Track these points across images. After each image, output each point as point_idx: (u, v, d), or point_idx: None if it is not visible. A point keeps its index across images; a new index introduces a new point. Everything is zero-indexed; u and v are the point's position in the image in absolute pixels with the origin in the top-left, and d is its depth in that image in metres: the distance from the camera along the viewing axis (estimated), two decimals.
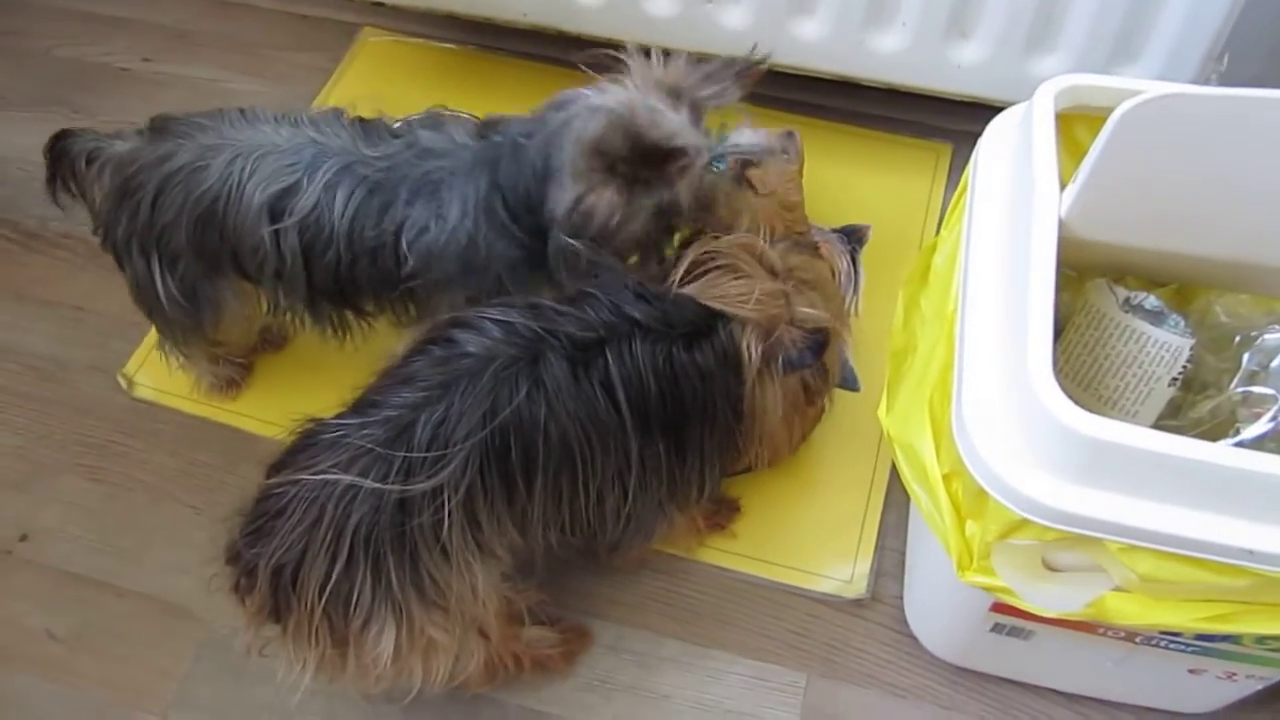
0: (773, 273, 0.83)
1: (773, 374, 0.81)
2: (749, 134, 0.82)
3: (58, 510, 1.04)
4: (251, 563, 0.71)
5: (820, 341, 0.82)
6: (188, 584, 0.99)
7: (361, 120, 0.91)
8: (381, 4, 1.28)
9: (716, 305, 0.80)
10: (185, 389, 1.11)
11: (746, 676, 0.93)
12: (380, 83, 1.39)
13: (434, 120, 0.91)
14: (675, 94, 0.84)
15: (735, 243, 0.84)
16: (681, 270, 0.83)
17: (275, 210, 0.86)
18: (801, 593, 0.97)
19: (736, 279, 0.81)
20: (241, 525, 0.73)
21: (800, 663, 0.94)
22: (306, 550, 0.69)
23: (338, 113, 0.91)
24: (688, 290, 0.82)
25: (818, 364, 0.85)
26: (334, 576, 0.69)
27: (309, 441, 0.73)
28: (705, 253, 0.83)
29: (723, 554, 0.99)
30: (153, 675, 0.94)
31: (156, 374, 1.13)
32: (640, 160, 0.81)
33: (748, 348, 0.79)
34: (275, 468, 0.73)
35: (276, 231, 0.86)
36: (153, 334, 1.15)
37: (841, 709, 0.91)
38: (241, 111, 0.90)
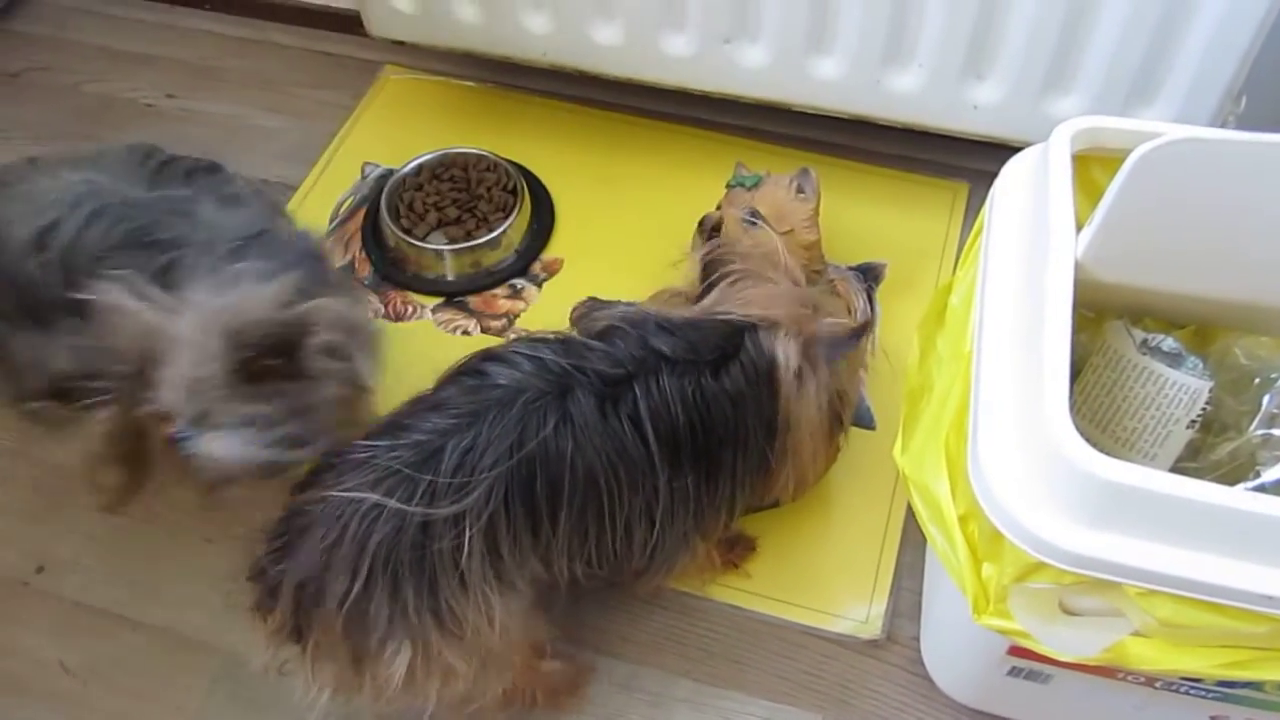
0: (795, 282, 0.84)
1: (814, 369, 0.80)
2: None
3: (74, 542, 1.04)
4: (275, 580, 0.71)
5: (858, 331, 0.82)
6: (202, 617, 0.99)
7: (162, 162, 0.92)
8: (403, 43, 1.30)
9: (742, 312, 0.80)
10: None
11: (761, 717, 0.92)
12: (401, 120, 1.40)
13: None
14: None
15: (756, 252, 0.85)
16: (700, 275, 0.85)
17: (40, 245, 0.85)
18: (816, 633, 0.96)
19: (759, 286, 0.82)
20: (266, 542, 0.73)
21: (815, 704, 0.93)
22: (329, 566, 0.69)
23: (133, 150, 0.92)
24: (708, 300, 0.83)
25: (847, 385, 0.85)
26: (353, 594, 0.69)
27: (337, 460, 0.73)
28: (724, 260, 0.84)
29: (737, 593, 0.98)
30: (165, 709, 0.94)
31: None
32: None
33: (782, 350, 0.79)
34: (303, 485, 0.74)
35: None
36: None
37: None
38: (31, 160, 0.91)
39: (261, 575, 0.73)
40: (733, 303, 0.82)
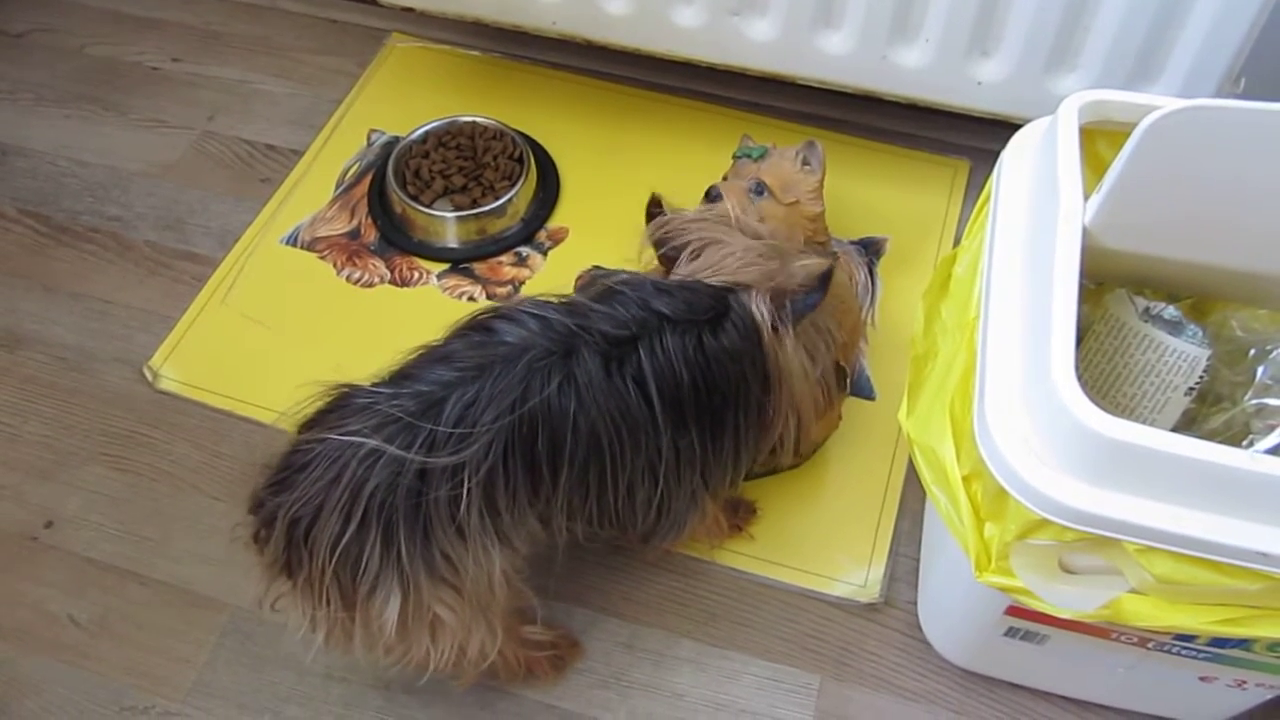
0: (755, 235, 0.84)
1: (786, 327, 0.81)
2: None
3: (82, 498, 1.06)
4: (271, 512, 0.72)
5: (823, 278, 0.82)
6: (209, 573, 1.00)
7: None
8: (411, 10, 1.30)
9: (713, 280, 0.81)
10: (209, 382, 1.13)
11: (761, 677, 0.94)
12: (407, 88, 1.41)
13: None
14: None
15: (708, 217, 0.86)
16: (652, 250, 0.86)
17: None
18: (816, 596, 0.98)
19: (722, 250, 0.83)
20: (267, 476, 0.75)
21: (814, 665, 0.95)
22: (323, 506, 0.70)
23: None
24: (678, 273, 0.83)
25: (830, 337, 0.86)
26: (345, 537, 0.70)
27: (341, 404, 0.74)
28: (673, 235, 0.85)
29: (739, 557, 1.00)
30: (173, 662, 0.95)
31: (181, 367, 1.14)
32: None
33: (757, 309, 0.79)
34: (306, 425, 0.75)
35: None
36: (178, 328, 1.18)
37: (854, 712, 0.92)
38: None
39: (259, 507, 0.75)
40: (701, 273, 0.82)
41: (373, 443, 0.70)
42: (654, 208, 0.89)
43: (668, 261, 0.86)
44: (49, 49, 1.48)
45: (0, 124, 1.39)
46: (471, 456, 0.71)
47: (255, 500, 0.75)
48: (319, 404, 0.76)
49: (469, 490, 0.71)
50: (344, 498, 0.70)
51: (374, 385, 0.76)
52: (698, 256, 0.84)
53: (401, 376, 0.76)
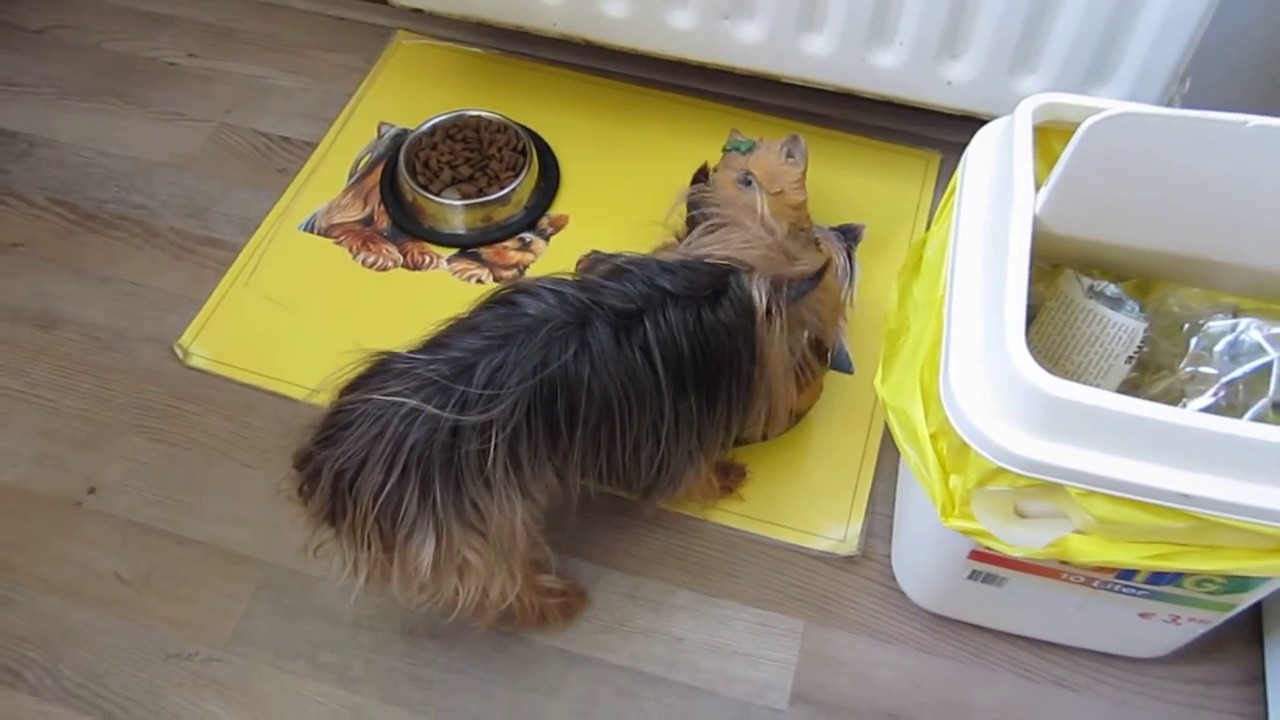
0: (770, 231, 0.93)
1: (779, 312, 0.89)
2: None
3: (122, 466, 1.13)
4: (318, 466, 0.80)
5: (817, 274, 0.91)
6: (243, 533, 1.08)
7: None
8: (419, 10, 1.38)
9: (723, 256, 0.89)
10: (237, 359, 1.21)
11: (751, 623, 1.03)
12: (413, 83, 1.49)
13: None
14: None
15: (738, 203, 0.94)
16: (684, 210, 0.95)
17: None
18: (800, 550, 1.07)
19: (736, 232, 0.92)
20: (313, 434, 0.83)
21: (799, 612, 1.04)
22: (367, 460, 0.78)
23: None
24: (695, 243, 0.92)
25: (815, 325, 0.96)
26: (387, 487, 0.77)
27: (381, 368, 0.82)
28: (705, 202, 0.93)
29: (731, 515, 1.09)
30: (213, 614, 1.03)
31: (209, 345, 1.22)
32: None
33: (756, 291, 0.88)
34: (348, 388, 0.83)
35: None
36: (205, 309, 1.25)
37: (835, 652, 1.02)
38: None
39: (306, 461, 0.82)
40: (712, 246, 0.90)
41: (412, 402, 0.78)
42: (700, 175, 0.99)
43: (690, 224, 0.95)
44: (68, 45, 1.54)
45: (26, 117, 1.45)
46: (499, 415, 0.79)
47: (302, 455, 0.83)
48: (360, 369, 0.85)
49: (496, 445, 0.79)
50: (386, 451, 0.78)
51: (411, 352, 0.84)
52: (713, 231, 0.92)
53: (435, 344, 0.84)
